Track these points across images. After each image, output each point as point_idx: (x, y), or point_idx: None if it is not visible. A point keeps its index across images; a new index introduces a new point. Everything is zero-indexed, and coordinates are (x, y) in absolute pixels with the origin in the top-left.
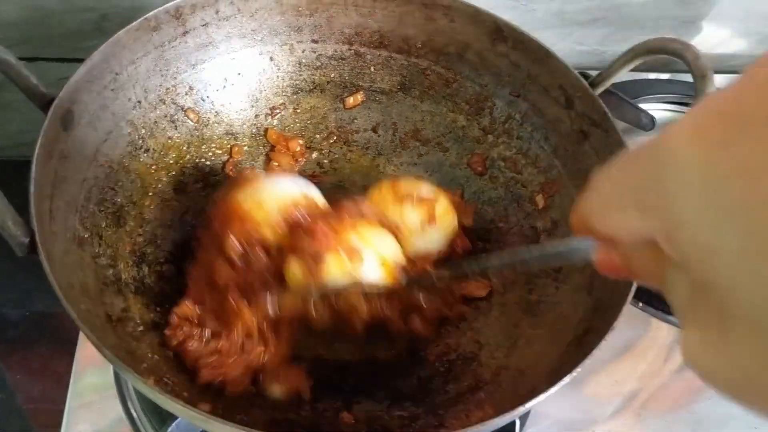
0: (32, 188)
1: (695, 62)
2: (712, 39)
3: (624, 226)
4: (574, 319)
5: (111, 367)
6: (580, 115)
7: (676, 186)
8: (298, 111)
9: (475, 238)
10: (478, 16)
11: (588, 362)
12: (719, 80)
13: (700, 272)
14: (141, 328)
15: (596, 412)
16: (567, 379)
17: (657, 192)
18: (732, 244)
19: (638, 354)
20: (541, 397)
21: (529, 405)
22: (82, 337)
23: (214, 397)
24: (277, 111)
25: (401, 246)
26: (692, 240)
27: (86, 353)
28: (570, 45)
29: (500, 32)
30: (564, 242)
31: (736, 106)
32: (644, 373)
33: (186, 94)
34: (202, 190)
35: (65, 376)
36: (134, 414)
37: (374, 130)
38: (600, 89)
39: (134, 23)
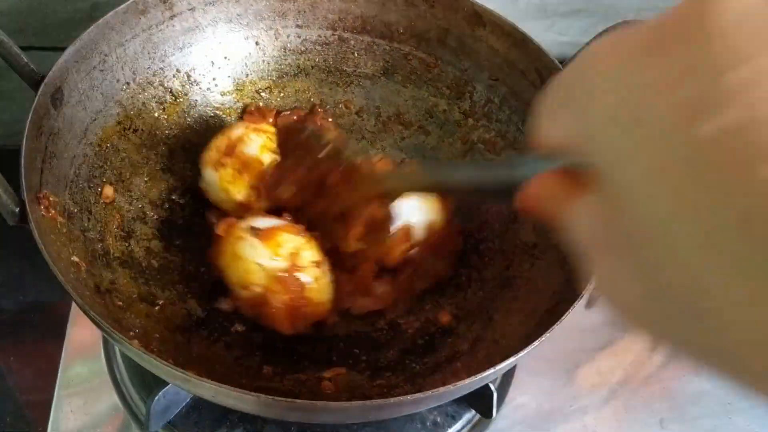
0: (22, 160)
1: None
2: None
3: (554, 129)
4: (548, 292)
5: (101, 350)
6: None
7: (594, 91)
8: (283, 95)
9: (457, 221)
10: (456, 1)
11: (556, 338)
12: None
13: (607, 176)
14: (129, 299)
15: (582, 402)
16: (536, 343)
17: (580, 95)
18: (630, 147)
19: (625, 345)
20: (511, 359)
21: (499, 367)
22: (71, 320)
23: (199, 367)
24: (263, 94)
25: None
26: (603, 143)
27: (76, 337)
28: (552, 36)
29: (478, 17)
30: (508, 164)
31: (655, 31)
32: (631, 363)
33: (173, 76)
34: (189, 170)
35: (57, 362)
36: (122, 386)
37: (358, 113)
38: None
39: (122, 6)
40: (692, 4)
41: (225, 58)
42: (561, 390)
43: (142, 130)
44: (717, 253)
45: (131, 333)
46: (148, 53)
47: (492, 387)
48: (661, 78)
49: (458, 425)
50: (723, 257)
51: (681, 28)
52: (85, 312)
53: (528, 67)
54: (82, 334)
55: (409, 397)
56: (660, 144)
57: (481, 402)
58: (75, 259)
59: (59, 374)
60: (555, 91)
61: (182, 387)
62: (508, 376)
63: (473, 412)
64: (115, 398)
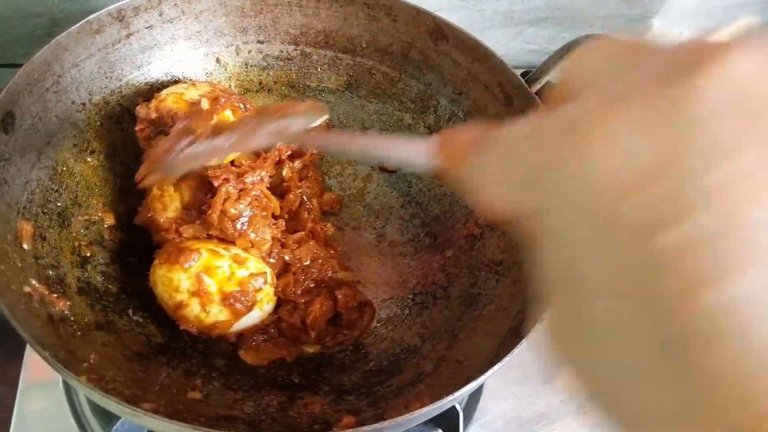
0: None
1: None
2: (663, 37)
3: (503, 193)
4: (512, 310)
5: (59, 376)
6: (518, 111)
7: (556, 180)
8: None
9: (423, 234)
10: (419, 15)
11: (523, 351)
12: None
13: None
14: (85, 327)
15: (551, 417)
16: (496, 367)
17: (536, 180)
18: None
19: None
20: (473, 384)
21: (459, 393)
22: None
23: (157, 396)
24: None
25: None
26: (553, 232)
27: (35, 362)
28: (520, 44)
29: (441, 31)
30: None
31: (641, 108)
32: None
33: (132, 95)
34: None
35: (17, 385)
36: (80, 413)
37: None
38: (537, 86)
39: (75, 26)
40: (679, 77)
41: (185, 75)
42: (530, 404)
43: (99, 151)
44: (636, 373)
45: (85, 364)
46: (105, 73)
47: (458, 407)
48: (633, 174)
49: None
50: (643, 379)
51: (664, 108)
52: (32, 346)
53: (491, 81)
54: (40, 358)
55: (366, 428)
56: (621, 248)
57: (448, 422)
58: (27, 289)
59: (17, 399)
60: (513, 160)
61: (134, 421)
62: (475, 393)
63: (441, 431)
64: (73, 425)
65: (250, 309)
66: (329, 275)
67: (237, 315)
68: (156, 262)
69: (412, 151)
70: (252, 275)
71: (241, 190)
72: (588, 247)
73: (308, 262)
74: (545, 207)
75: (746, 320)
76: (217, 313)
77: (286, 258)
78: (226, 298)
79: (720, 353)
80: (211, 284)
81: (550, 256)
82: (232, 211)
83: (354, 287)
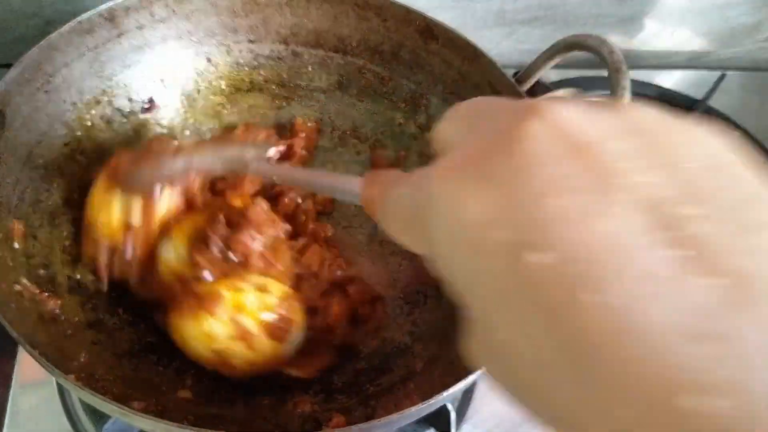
0: None
1: (610, 57)
2: (655, 36)
3: (406, 241)
4: None
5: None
6: None
7: (432, 223)
8: (236, 110)
9: None
10: (409, 15)
11: None
12: (663, 76)
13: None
14: (75, 326)
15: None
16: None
17: (420, 227)
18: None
19: None
20: (462, 383)
21: (448, 392)
22: None
23: (147, 395)
24: (216, 111)
25: None
26: (446, 268)
27: (28, 358)
28: (512, 44)
29: (431, 31)
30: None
31: (481, 155)
32: None
33: (122, 95)
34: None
35: (11, 381)
36: (73, 412)
37: None
38: (526, 85)
39: (66, 26)
40: (507, 129)
41: (176, 75)
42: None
43: (90, 150)
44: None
45: (75, 363)
46: (95, 72)
47: (450, 406)
48: (486, 213)
49: None
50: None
51: (498, 154)
52: (22, 345)
53: (482, 81)
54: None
55: (355, 427)
56: (497, 274)
57: (440, 421)
58: (17, 287)
59: (10, 397)
60: (401, 207)
61: (123, 420)
62: (468, 392)
63: (433, 429)
64: (66, 423)
65: (289, 332)
66: (338, 274)
67: (282, 341)
68: (175, 316)
69: (346, 186)
70: (280, 299)
71: (257, 225)
72: (473, 275)
73: (317, 267)
74: (430, 244)
75: (623, 320)
76: (264, 348)
77: (297, 270)
78: (267, 330)
79: (608, 349)
80: (248, 322)
81: (450, 285)
82: (257, 246)
83: (364, 282)
